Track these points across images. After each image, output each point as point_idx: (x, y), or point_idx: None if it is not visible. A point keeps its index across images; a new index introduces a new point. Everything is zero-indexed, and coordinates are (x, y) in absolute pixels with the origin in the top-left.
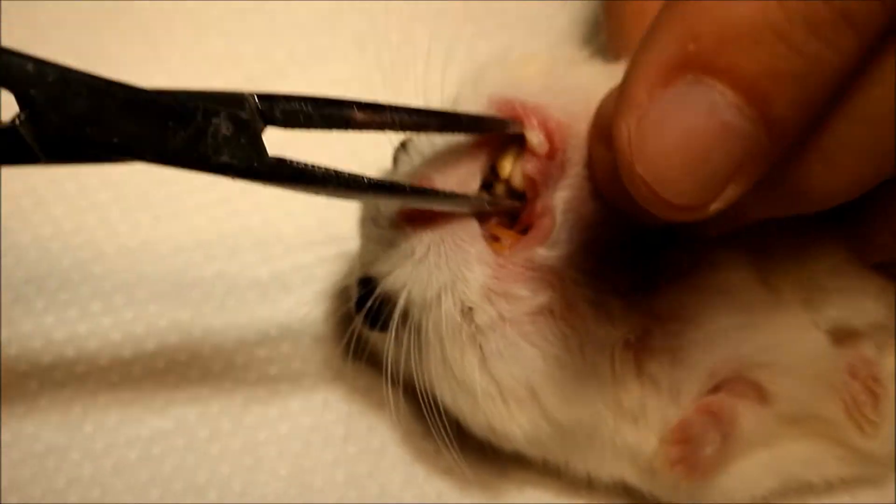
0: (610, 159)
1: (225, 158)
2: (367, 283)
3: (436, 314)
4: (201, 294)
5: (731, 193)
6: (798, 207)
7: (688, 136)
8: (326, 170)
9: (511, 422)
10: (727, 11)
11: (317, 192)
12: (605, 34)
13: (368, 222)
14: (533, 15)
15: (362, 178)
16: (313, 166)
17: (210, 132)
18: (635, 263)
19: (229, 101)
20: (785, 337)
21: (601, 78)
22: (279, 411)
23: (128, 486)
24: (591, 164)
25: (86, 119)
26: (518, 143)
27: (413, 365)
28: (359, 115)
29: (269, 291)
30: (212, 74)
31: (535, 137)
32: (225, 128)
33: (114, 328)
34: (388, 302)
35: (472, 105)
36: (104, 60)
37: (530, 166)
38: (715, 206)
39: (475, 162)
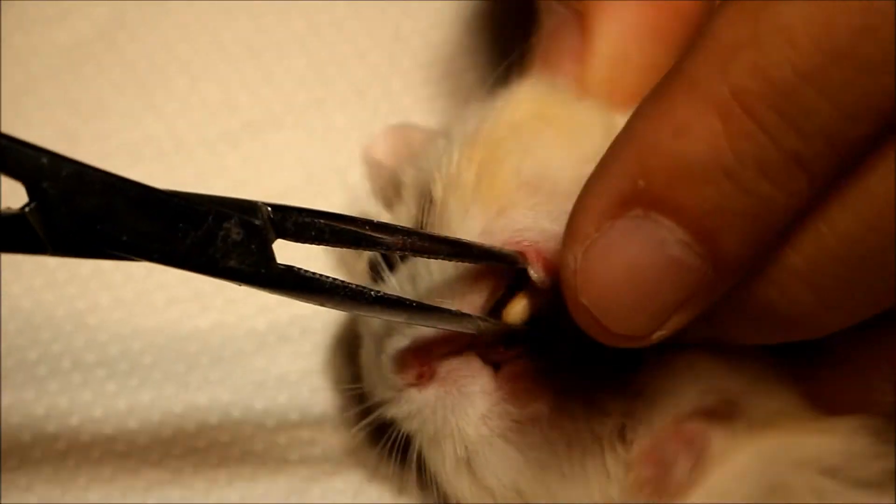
0: None
1: (233, 263)
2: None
3: (436, 452)
4: (197, 346)
5: (675, 323)
6: (766, 335)
7: (634, 269)
8: (333, 280)
9: None
10: (678, 149)
11: (322, 303)
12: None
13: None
14: None
15: (369, 290)
16: (321, 276)
17: (220, 236)
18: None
19: (242, 208)
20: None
21: None
22: (276, 464)
23: None
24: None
25: (97, 216)
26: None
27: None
28: (369, 234)
29: (267, 342)
30: (208, 122)
31: (534, 273)
32: (235, 233)
33: (108, 379)
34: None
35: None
36: (100, 111)
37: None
38: (658, 335)
39: (482, 290)
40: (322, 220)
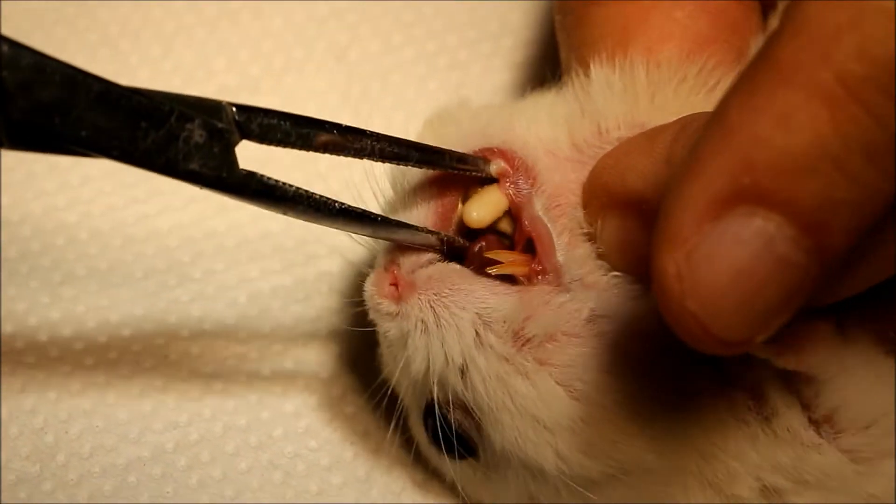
0: (627, 228)
1: (194, 166)
2: (428, 414)
3: (479, 362)
4: (176, 317)
5: (779, 322)
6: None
7: (742, 271)
8: (297, 189)
9: (607, 445)
10: (783, 141)
11: (285, 212)
12: (561, 49)
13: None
14: (513, 22)
15: (333, 202)
16: (284, 184)
17: (182, 137)
18: None
19: (206, 109)
20: None
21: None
22: (258, 438)
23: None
24: (600, 236)
25: (56, 108)
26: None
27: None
28: (338, 139)
29: (248, 314)
30: (183, 87)
31: (494, 166)
32: (198, 135)
33: (86, 354)
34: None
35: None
36: None
37: (504, 186)
38: (763, 337)
39: (448, 198)
40: (288, 123)
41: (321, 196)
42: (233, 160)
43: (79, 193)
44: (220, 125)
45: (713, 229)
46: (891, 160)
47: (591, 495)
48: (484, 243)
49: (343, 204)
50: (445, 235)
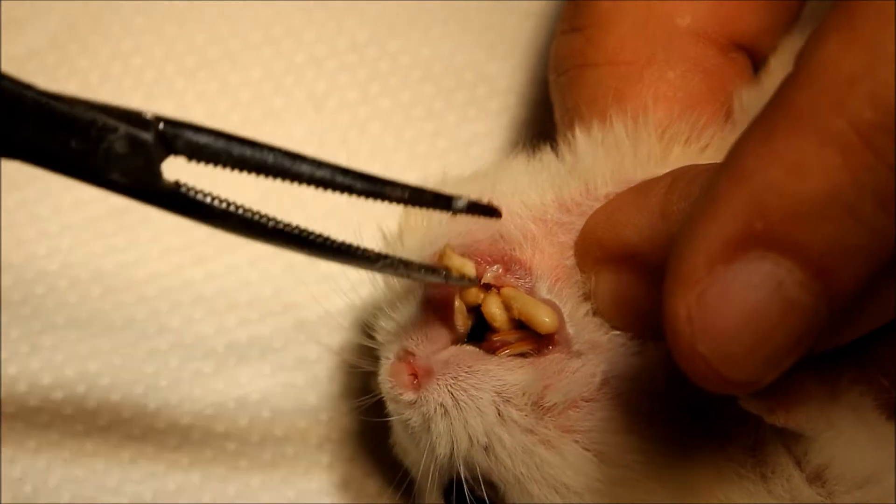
0: (621, 282)
1: (115, 177)
2: (450, 491)
3: (504, 438)
4: (155, 367)
5: (787, 364)
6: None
7: (752, 315)
8: (228, 205)
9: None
10: (797, 188)
11: (215, 226)
12: (556, 111)
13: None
14: (489, 72)
15: (268, 220)
16: (213, 199)
17: (102, 149)
18: None
19: (131, 120)
20: None
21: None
22: (237, 490)
23: None
24: (595, 293)
25: None
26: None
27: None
28: (274, 162)
29: (226, 363)
30: None
31: (489, 273)
32: (119, 146)
33: (65, 403)
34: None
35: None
36: None
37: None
38: (770, 379)
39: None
40: (221, 142)
41: (254, 213)
42: (156, 172)
43: (58, 242)
44: (144, 136)
45: (725, 273)
46: None
47: None
48: (488, 335)
49: (280, 222)
50: (389, 257)
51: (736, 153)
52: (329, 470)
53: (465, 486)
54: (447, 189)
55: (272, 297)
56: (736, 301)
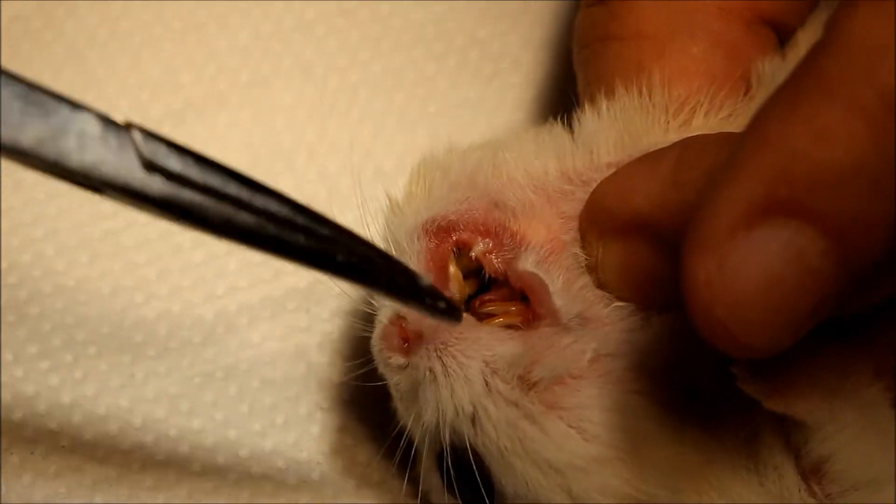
0: (630, 252)
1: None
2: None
3: (490, 409)
4: (143, 336)
5: (805, 329)
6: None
7: (773, 281)
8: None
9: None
10: (822, 156)
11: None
12: (578, 83)
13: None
14: (480, 35)
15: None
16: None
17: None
18: None
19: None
20: None
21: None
22: (225, 458)
23: None
24: (602, 263)
25: None
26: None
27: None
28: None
29: (215, 332)
30: (150, 102)
31: (477, 247)
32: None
33: (51, 372)
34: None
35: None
36: None
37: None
38: (786, 345)
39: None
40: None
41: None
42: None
43: (44, 209)
44: (116, 122)
45: (746, 238)
46: None
47: None
48: (478, 301)
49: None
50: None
51: (760, 119)
52: (319, 439)
53: (454, 454)
54: (449, 158)
55: (261, 264)
56: (756, 267)
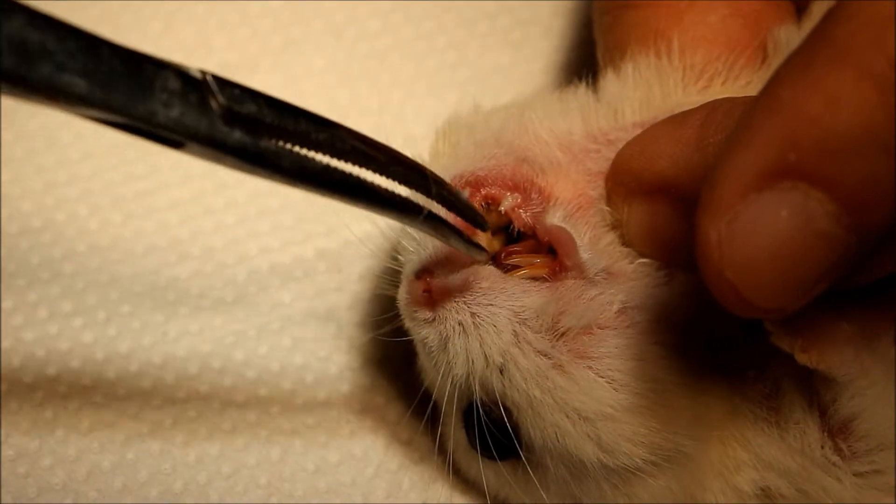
0: (655, 213)
1: (174, 114)
2: (469, 414)
3: (519, 359)
4: (175, 295)
5: (815, 293)
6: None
7: (781, 244)
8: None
9: (638, 435)
10: (831, 121)
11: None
12: (598, 50)
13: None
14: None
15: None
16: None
17: (158, 86)
18: None
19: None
20: None
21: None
22: (257, 416)
23: (100, 492)
24: (627, 223)
25: (42, 56)
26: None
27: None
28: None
29: (247, 291)
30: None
31: (506, 201)
32: (174, 84)
33: (85, 329)
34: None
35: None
36: None
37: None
38: (797, 306)
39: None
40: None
41: (303, 154)
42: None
43: (78, 169)
44: (194, 76)
45: (756, 200)
46: None
47: (634, 486)
48: (503, 252)
49: (327, 166)
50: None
51: (772, 84)
52: (349, 397)
53: (478, 411)
54: (475, 117)
55: (293, 226)
56: (766, 229)
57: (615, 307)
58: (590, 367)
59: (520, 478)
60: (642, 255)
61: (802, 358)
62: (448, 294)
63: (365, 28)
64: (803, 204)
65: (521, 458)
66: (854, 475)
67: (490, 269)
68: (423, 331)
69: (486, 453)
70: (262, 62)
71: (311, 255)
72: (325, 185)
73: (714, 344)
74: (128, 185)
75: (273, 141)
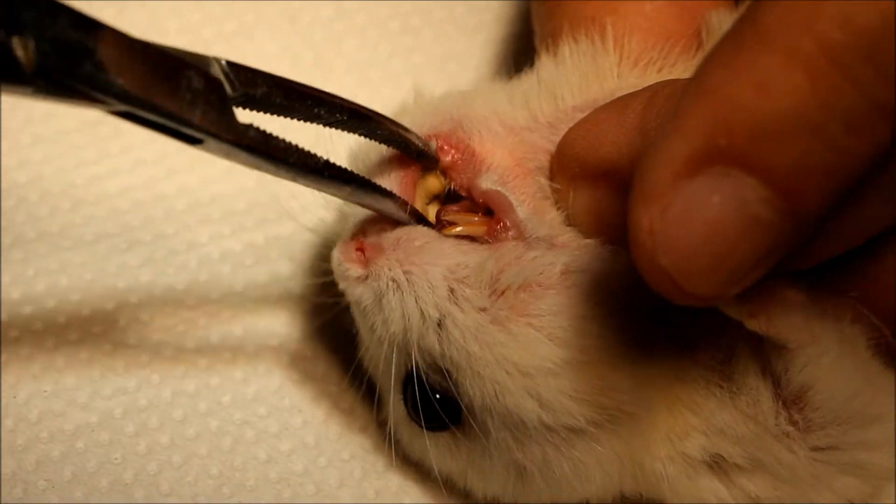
0: (599, 198)
1: (198, 112)
2: (409, 384)
3: (456, 315)
4: (126, 282)
5: (750, 280)
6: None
7: (714, 230)
8: (288, 144)
9: (576, 392)
10: (761, 106)
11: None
12: (536, 38)
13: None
14: None
15: (317, 158)
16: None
17: (184, 85)
18: None
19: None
20: None
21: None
22: (208, 405)
23: (49, 482)
24: (572, 206)
25: (83, 55)
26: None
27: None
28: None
29: (198, 279)
30: None
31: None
32: (197, 82)
33: (35, 317)
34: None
35: None
36: None
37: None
38: (733, 292)
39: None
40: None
41: (306, 151)
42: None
43: (29, 154)
44: (213, 75)
45: (687, 187)
46: (870, 126)
47: (578, 449)
48: (441, 208)
49: (327, 161)
50: (409, 207)
51: (702, 69)
52: (301, 386)
53: (416, 375)
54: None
55: (244, 212)
56: (698, 216)
57: (558, 269)
58: (530, 324)
59: (463, 449)
60: (587, 237)
61: (751, 324)
62: (381, 251)
63: (319, 13)
64: (735, 189)
65: (462, 424)
66: (812, 450)
67: (424, 229)
68: (356, 290)
69: (429, 424)
70: (214, 47)
71: (262, 241)
72: (326, 179)
73: (663, 309)
74: (78, 171)
75: (281, 140)
